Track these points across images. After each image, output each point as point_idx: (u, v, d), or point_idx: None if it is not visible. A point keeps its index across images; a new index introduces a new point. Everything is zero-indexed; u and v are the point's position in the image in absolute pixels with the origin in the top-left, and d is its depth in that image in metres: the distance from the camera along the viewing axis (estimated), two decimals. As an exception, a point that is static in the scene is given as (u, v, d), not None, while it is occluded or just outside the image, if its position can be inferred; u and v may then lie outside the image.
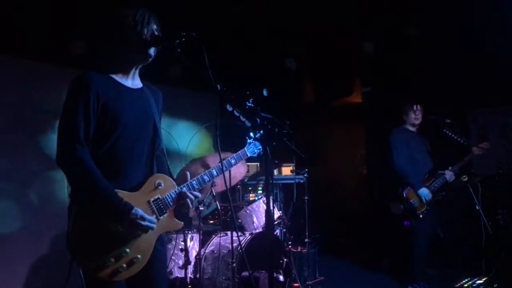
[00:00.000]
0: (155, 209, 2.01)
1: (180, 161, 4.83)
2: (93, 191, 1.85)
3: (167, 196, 2.05)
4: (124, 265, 1.88)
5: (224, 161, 2.32)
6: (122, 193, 1.90)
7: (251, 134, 2.41)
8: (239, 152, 2.48)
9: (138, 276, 1.95)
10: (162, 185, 2.05)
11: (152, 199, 2.01)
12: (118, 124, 1.92)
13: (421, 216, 4.44)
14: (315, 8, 4.79)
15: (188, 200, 2.09)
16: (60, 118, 1.90)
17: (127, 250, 1.89)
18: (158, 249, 2.05)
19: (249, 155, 2.52)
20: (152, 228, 1.93)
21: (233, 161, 2.42)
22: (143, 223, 1.89)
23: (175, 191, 2.08)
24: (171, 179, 2.11)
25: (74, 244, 1.85)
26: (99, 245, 1.85)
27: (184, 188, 2.11)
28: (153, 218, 1.96)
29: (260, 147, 2.48)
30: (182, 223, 2.13)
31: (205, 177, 2.20)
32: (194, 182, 2.16)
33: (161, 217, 2.03)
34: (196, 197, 2.12)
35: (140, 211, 1.90)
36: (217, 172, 2.24)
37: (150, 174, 2.06)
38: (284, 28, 5.08)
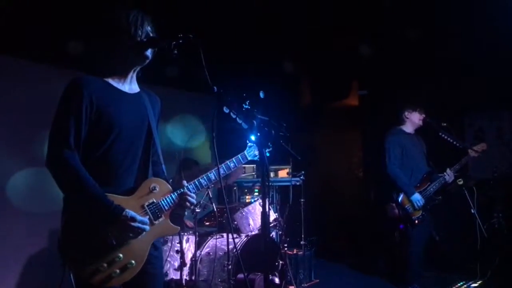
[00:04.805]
0: (149, 213, 1.97)
1: (177, 163, 4.83)
2: (82, 194, 1.82)
3: (162, 200, 2.02)
4: (117, 271, 1.85)
5: (222, 165, 2.28)
6: (115, 198, 1.87)
7: (252, 137, 2.33)
8: (239, 155, 2.39)
9: (134, 282, 1.92)
10: (157, 189, 2.01)
11: (146, 203, 1.97)
12: (112, 129, 1.90)
13: (416, 222, 4.39)
14: (313, 10, 4.80)
15: (188, 203, 2.07)
16: (52, 121, 1.87)
17: (120, 255, 1.85)
18: (154, 255, 2.02)
19: (249, 158, 2.42)
20: (144, 230, 1.90)
21: (231, 164, 2.33)
22: (134, 224, 1.85)
23: (172, 195, 2.05)
24: (166, 183, 2.08)
25: (66, 249, 1.83)
26: (91, 250, 1.82)
27: (183, 190, 2.08)
28: (145, 219, 1.92)
29: None
30: (179, 227, 2.10)
31: (203, 181, 2.16)
32: (191, 186, 2.12)
33: (156, 222, 1.99)
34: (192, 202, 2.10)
35: (131, 212, 1.86)
36: (215, 176, 2.19)
37: (145, 178, 2.03)
38: (282, 30, 5.09)
